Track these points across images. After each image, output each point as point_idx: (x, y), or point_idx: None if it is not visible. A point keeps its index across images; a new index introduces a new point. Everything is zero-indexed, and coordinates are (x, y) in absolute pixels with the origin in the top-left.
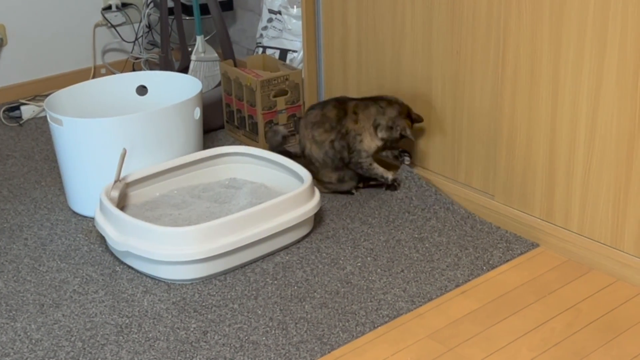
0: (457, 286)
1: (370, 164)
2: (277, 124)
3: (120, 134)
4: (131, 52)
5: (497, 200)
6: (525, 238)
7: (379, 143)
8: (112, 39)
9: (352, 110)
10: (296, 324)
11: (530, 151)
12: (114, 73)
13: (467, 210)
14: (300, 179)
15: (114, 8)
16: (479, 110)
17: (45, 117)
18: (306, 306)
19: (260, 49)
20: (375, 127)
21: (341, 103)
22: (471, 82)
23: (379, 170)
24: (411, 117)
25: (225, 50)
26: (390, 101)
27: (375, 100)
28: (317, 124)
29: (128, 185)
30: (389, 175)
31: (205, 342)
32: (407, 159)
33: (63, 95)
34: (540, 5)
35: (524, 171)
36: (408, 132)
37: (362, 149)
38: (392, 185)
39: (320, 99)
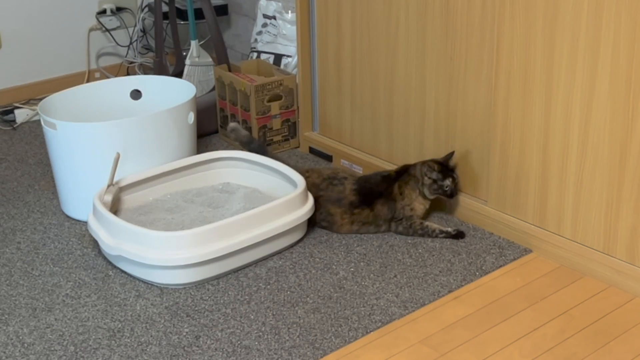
0: (449, 292)
1: (422, 223)
2: (271, 128)
3: (114, 138)
4: (125, 57)
5: (490, 206)
6: (518, 244)
7: (427, 204)
8: (106, 43)
9: (398, 190)
10: (289, 328)
11: (523, 157)
12: (108, 77)
13: (459, 219)
14: (293, 183)
15: (108, 12)
16: (473, 116)
17: (39, 120)
18: (299, 311)
19: (255, 54)
20: (423, 191)
21: (388, 183)
22: (464, 88)
23: (435, 226)
24: (445, 166)
25: (220, 54)
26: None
27: (407, 172)
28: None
29: (121, 189)
30: (449, 228)
31: (197, 346)
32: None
33: (57, 99)
34: (534, 12)
35: (517, 177)
36: (452, 187)
37: (415, 214)
38: (459, 234)
39: (315, 104)
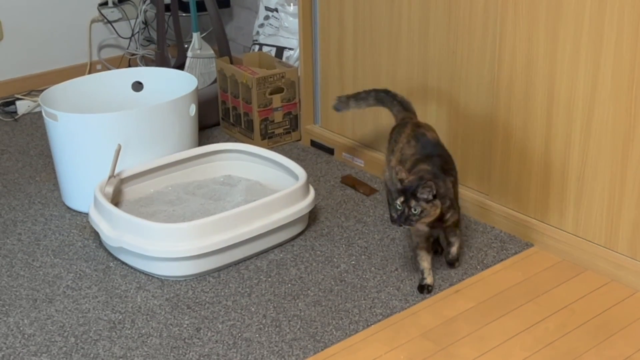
0: (451, 285)
1: (416, 247)
2: (272, 121)
3: (116, 129)
4: (127, 49)
5: (491, 200)
6: (519, 238)
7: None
8: (108, 34)
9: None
10: (289, 321)
11: (525, 151)
12: (109, 69)
13: (461, 212)
14: (295, 176)
15: (110, 4)
16: (475, 110)
17: (41, 112)
18: (300, 304)
19: (257, 47)
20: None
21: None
22: (467, 82)
23: (424, 266)
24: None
25: (222, 47)
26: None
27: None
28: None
29: (122, 181)
30: (427, 278)
31: (198, 338)
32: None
33: (58, 91)
34: (537, 6)
35: (519, 171)
36: (403, 210)
37: (412, 231)
38: (422, 287)
39: (316, 97)
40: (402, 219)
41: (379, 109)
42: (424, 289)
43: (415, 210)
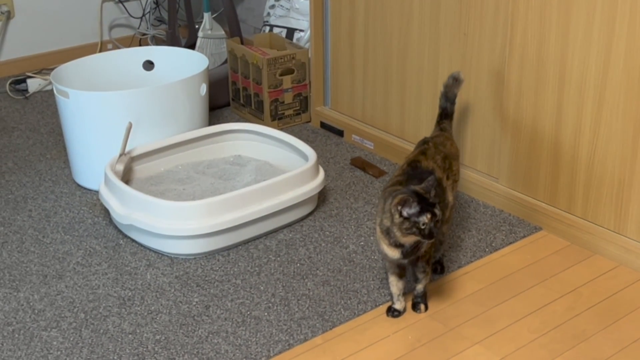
0: (459, 267)
1: (387, 271)
2: (282, 102)
3: (126, 107)
4: (138, 28)
5: (501, 183)
6: (528, 221)
7: (395, 254)
8: (119, 14)
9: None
10: (298, 300)
11: (535, 135)
12: (120, 49)
13: (470, 196)
14: (305, 157)
15: None
16: (485, 93)
17: (51, 90)
18: (308, 283)
19: (268, 28)
20: (392, 232)
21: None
22: (478, 64)
23: (391, 288)
24: (424, 198)
25: (232, 27)
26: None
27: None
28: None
29: (133, 159)
30: (395, 303)
31: (207, 316)
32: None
33: (70, 68)
34: None
35: (529, 155)
36: (431, 225)
37: (384, 254)
38: (389, 309)
39: (327, 79)
40: (435, 232)
41: (389, 90)
42: (389, 312)
43: (438, 217)
